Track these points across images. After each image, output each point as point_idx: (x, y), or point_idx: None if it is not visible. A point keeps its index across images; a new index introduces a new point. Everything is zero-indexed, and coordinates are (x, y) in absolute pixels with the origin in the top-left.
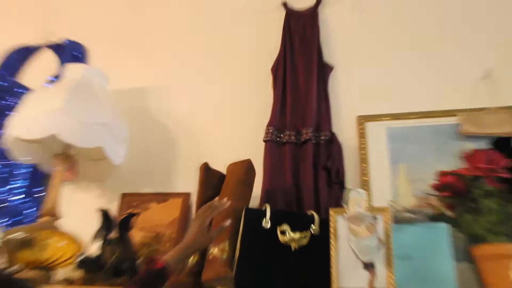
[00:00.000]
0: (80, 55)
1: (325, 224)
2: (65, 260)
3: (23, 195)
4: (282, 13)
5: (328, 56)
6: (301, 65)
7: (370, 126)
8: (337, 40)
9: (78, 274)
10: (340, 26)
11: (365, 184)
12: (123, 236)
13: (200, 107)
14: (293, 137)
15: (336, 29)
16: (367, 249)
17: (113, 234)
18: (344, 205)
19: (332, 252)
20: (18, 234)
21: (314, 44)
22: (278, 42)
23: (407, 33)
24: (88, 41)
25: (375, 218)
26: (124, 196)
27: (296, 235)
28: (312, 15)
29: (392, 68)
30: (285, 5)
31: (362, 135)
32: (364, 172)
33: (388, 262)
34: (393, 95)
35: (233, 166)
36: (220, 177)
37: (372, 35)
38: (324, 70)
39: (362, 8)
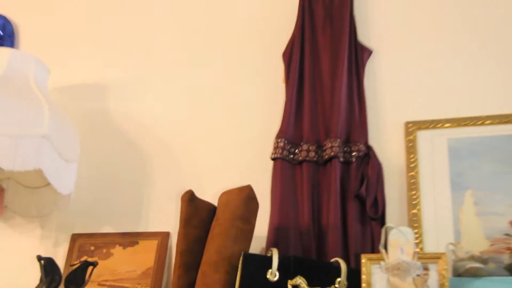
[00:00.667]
0: (3, 34)
1: (355, 276)
2: None
3: None
4: None
5: (365, 35)
6: (325, 48)
7: (423, 136)
8: (377, 13)
9: None
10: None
11: (414, 220)
12: None
13: (181, 111)
14: (312, 153)
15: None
16: None
17: None
18: (382, 250)
19: None
20: None
21: (346, 18)
22: (294, 14)
23: (476, 11)
24: (18, 16)
25: (426, 268)
26: (76, 237)
27: None
28: None
29: (454, 54)
30: None
31: (411, 149)
32: (413, 203)
33: None
34: (456, 92)
35: (227, 196)
36: (210, 210)
37: (429, 8)
38: (359, 55)
39: None
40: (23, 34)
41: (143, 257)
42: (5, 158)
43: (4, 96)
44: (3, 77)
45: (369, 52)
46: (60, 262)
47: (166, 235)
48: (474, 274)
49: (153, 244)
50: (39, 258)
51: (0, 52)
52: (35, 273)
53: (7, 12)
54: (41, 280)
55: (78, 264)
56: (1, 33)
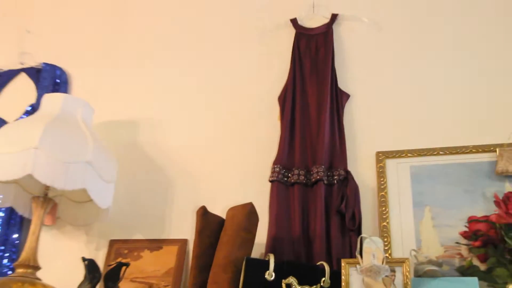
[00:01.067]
0: (60, 81)
1: (337, 277)
2: None
3: None
4: (291, 32)
5: (344, 82)
6: (312, 92)
7: (390, 163)
8: (354, 64)
9: None
10: (357, 47)
11: (384, 231)
12: None
13: (197, 142)
14: (302, 177)
15: (352, 50)
16: None
17: (100, 287)
18: (358, 256)
19: None
20: None
21: (328, 69)
22: (286, 66)
23: (432, 54)
24: (69, 66)
25: (393, 271)
26: (113, 243)
27: None
28: (325, 34)
29: (417, 96)
30: (294, 22)
31: (381, 174)
32: (383, 217)
33: None
34: (417, 128)
35: (233, 211)
36: (220, 222)
37: (394, 58)
38: (339, 98)
39: (381, 26)
40: (75, 81)
41: (166, 259)
42: (58, 180)
43: (58, 131)
44: (58, 116)
45: (347, 96)
46: (100, 263)
47: (185, 242)
48: (431, 275)
49: (174, 249)
50: (84, 259)
51: (57, 97)
52: (80, 272)
53: (62, 63)
54: (85, 277)
55: (114, 264)
56: (58, 81)
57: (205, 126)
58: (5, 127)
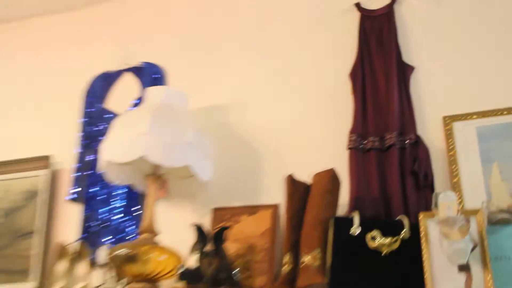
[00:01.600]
0: (158, 76)
1: (415, 229)
2: (167, 273)
3: (122, 214)
4: (356, 15)
5: (408, 56)
6: (380, 68)
7: (457, 126)
8: (416, 39)
9: (180, 285)
10: (418, 23)
11: (455, 187)
12: (218, 248)
13: (282, 119)
14: (377, 143)
15: (414, 26)
16: (461, 251)
17: (209, 247)
18: (434, 209)
19: (425, 256)
20: (122, 250)
21: (392, 45)
22: (354, 46)
23: (490, 23)
24: (164, 62)
25: (468, 221)
26: (215, 210)
27: (386, 240)
28: (387, 14)
29: (477, 62)
30: (358, 6)
31: (449, 136)
32: (454, 174)
33: (485, 264)
34: (480, 91)
35: (318, 176)
36: (306, 187)
37: (454, 29)
38: (405, 71)
39: (439, 1)
40: (170, 74)
41: (261, 222)
42: (166, 159)
43: (162, 118)
44: (160, 105)
45: (411, 68)
46: (207, 228)
47: (276, 206)
48: (504, 222)
49: (268, 213)
50: (193, 225)
51: (157, 89)
52: (190, 236)
53: (158, 60)
54: (196, 240)
55: (218, 228)
56: (156, 76)
57: (288, 104)
58: (118, 118)
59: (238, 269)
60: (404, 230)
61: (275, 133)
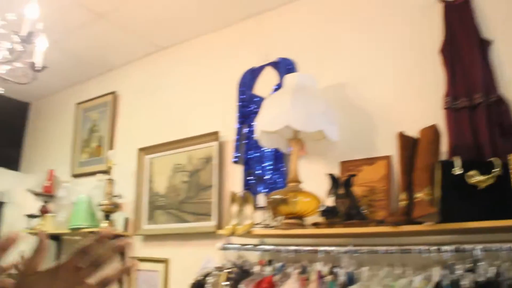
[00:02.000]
0: (290, 67)
1: (506, 169)
2: (311, 211)
3: (272, 171)
4: (439, 5)
5: (486, 31)
6: (463, 44)
7: None
8: (492, 16)
9: (321, 219)
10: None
11: None
12: (348, 191)
13: (390, 90)
14: (467, 102)
15: (491, 6)
16: None
17: (341, 191)
18: None
19: None
20: (277, 195)
21: (471, 24)
22: (441, 30)
23: None
24: (295, 56)
25: None
26: (342, 163)
27: (483, 177)
28: (466, 2)
29: None
30: None
31: None
32: None
33: None
34: None
35: (423, 131)
36: (414, 141)
37: None
38: (484, 45)
39: None
40: (300, 64)
41: (379, 170)
42: (305, 125)
43: (299, 96)
44: (296, 88)
45: (489, 42)
46: (338, 176)
47: (390, 157)
48: None
49: (383, 162)
50: (328, 174)
51: (292, 76)
52: (325, 183)
53: (290, 55)
54: (331, 186)
55: (347, 176)
56: (290, 67)
57: (395, 78)
58: (266, 100)
59: (364, 206)
60: (497, 168)
61: (386, 101)
